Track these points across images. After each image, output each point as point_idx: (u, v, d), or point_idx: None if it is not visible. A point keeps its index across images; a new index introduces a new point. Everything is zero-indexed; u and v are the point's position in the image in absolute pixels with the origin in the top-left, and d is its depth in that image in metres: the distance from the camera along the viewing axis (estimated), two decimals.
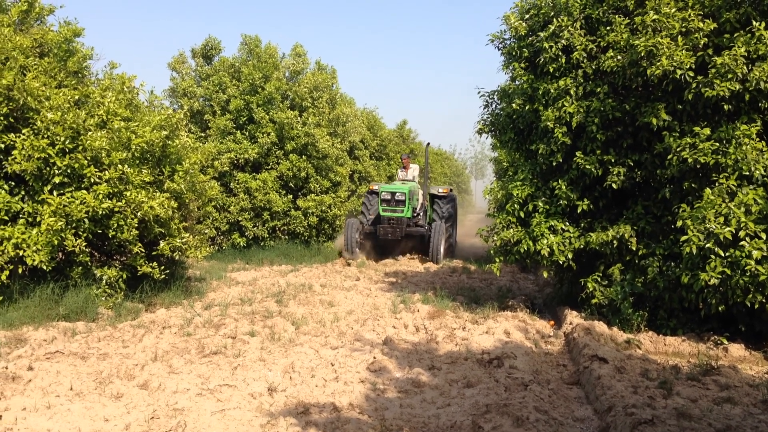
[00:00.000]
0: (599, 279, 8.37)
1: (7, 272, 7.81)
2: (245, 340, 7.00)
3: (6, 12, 9.68)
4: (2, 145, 8.20)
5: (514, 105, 9.12)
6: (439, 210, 17.51)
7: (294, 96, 17.36)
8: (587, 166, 8.21)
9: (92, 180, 8.34)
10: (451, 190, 18.97)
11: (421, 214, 17.22)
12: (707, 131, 7.40)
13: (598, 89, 8.31)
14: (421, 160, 31.42)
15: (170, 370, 5.95)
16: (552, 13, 8.84)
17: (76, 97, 9.03)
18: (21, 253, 7.82)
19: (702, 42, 7.68)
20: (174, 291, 9.65)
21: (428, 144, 19.33)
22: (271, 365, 6.17)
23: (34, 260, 7.76)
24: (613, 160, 8.21)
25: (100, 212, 8.16)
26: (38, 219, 8.05)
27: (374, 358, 6.46)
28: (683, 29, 7.74)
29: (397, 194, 16.13)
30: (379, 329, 7.90)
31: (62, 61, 9.88)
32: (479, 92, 10.22)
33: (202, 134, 17.05)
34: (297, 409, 4.98)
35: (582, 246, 8.35)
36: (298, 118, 16.76)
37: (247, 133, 16.83)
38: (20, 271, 8.20)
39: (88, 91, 9.40)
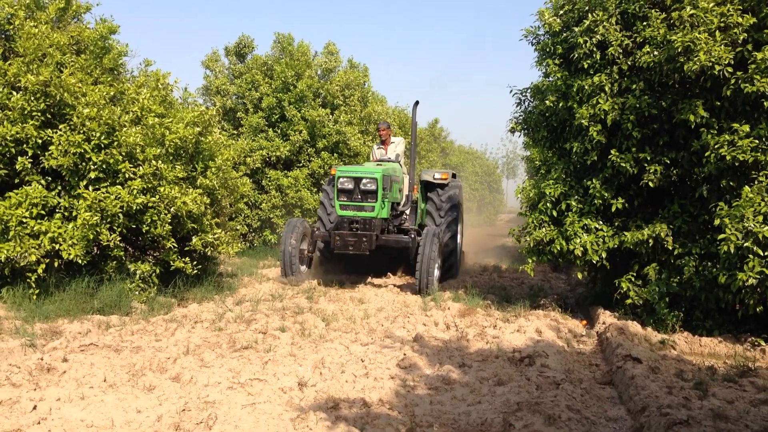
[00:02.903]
0: (633, 279, 8.24)
1: (43, 266, 7.94)
2: (276, 336, 7.02)
3: (44, 9, 9.83)
4: (39, 141, 8.33)
5: (547, 102, 9.01)
6: (436, 206, 12.27)
7: (326, 94, 17.39)
8: (622, 165, 8.09)
9: (127, 175, 8.44)
10: (454, 175, 13.14)
11: (407, 212, 12.17)
12: (746, 128, 7.24)
13: (634, 86, 8.17)
14: (453, 159, 30.74)
15: (202, 363, 5.99)
16: (587, 8, 8.72)
17: (112, 94, 9.14)
18: (57, 247, 7.95)
19: (741, 37, 7.50)
20: (206, 286, 9.73)
21: (417, 103, 12.08)
22: (302, 360, 6.17)
23: (69, 254, 7.88)
24: (649, 158, 8.07)
25: (135, 207, 8.26)
26: (74, 213, 8.17)
27: (404, 354, 6.43)
28: (721, 24, 7.58)
29: (364, 181, 10.52)
30: (409, 326, 7.88)
31: (98, 58, 10.01)
32: (511, 90, 10.12)
33: (235, 131, 17.17)
34: (327, 404, 4.97)
35: (616, 245, 8.22)
36: (330, 116, 16.79)
37: (279, 131, 16.91)
38: (56, 264, 8.32)
39: (124, 88, 9.52)
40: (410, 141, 12.21)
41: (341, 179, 10.64)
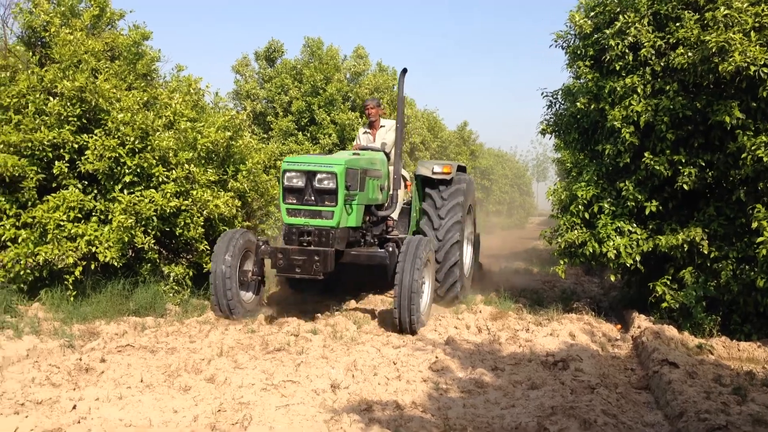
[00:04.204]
0: (669, 282, 8.14)
1: (80, 268, 8.07)
2: (308, 338, 7.06)
3: (79, 16, 10.00)
4: (76, 146, 8.47)
5: (578, 104, 8.94)
6: (435, 206, 9.41)
7: (355, 97, 17.46)
8: (656, 167, 7.99)
9: (160, 179, 8.56)
10: (462, 168, 10.39)
11: (395, 216, 9.35)
12: None
13: (668, 87, 8.07)
14: (482, 162, 30.55)
15: (235, 365, 6.04)
16: (618, 10, 8.63)
17: (145, 99, 9.27)
18: (93, 249, 8.08)
19: None
20: None
21: (404, 71, 8.90)
22: (334, 363, 6.19)
23: (105, 256, 8.00)
24: (683, 161, 7.96)
25: (168, 210, 8.37)
26: (109, 217, 8.29)
27: (436, 357, 6.42)
28: (756, 24, 7.46)
29: (319, 176, 7.73)
30: (440, 329, 7.86)
31: (132, 63, 10.15)
32: (542, 92, 10.08)
33: (265, 135, 17.31)
34: (360, 406, 4.99)
35: (650, 248, 8.13)
36: (359, 119, 16.85)
37: (308, 135, 17.01)
38: (93, 267, 8.46)
39: (156, 93, 9.64)
40: (403, 127, 9.01)
41: (288, 174, 7.78)
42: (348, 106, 17.35)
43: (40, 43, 9.91)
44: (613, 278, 9.27)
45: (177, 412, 4.65)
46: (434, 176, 9.56)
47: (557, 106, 10.00)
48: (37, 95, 8.63)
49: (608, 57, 8.51)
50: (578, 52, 9.11)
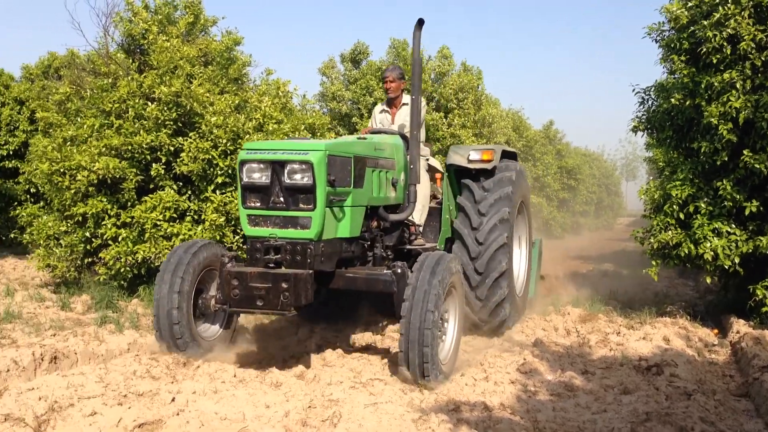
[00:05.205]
0: None
1: None
2: (394, 337, 7.10)
3: (175, 24, 10.40)
4: (172, 148, 8.84)
5: (672, 100, 8.63)
6: (474, 200, 7.52)
7: (439, 97, 17.43)
8: (756, 165, 7.63)
9: None
10: (509, 155, 8.25)
11: (418, 218, 7.23)
12: None
13: None
14: (569, 162, 29.88)
15: (324, 362, 6.15)
16: (717, 1, 8.29)
17: (236, 102, 9.56)
18: None
19: None
20: None
21: (420, 22, 6.34)
22: None
23: None
24: None
25: None
26: (203, 216, 8.59)
27: (524, 359, 6.34)
28: None
29: (290, 166, 5.48)
30: (528, 331, 7.77)
31: (224, 68, 10.48)
32: (633, 88, 9.80)
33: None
34: (448, 406, 4.97)
35: (750, 250, 7.77)
36: (444, 120, 16.81)
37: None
38: None
39: (247, 97, 9.94)
40: (420, 97, 6.47)
41: (248, 166, 5.56)
42: (432, 106, 17.33)
43: (139, 50, 10.37)
44: (708, 281, 8.91)
45: (269, 407, 4.76)
46: (470, 165, 7.60)
47: (650, 102, 9.70)
48: (137, 100, 9.04)
49: (705, 50, 8.17)
50: (673, 45, 8.79)
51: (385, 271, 6.01)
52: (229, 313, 6.23)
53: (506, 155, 8.09)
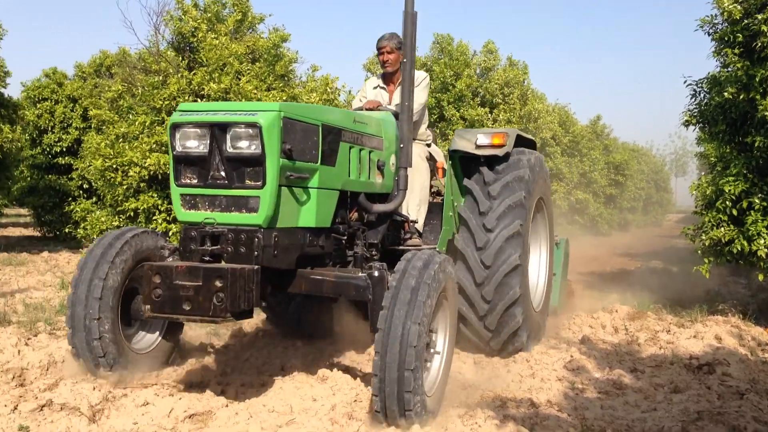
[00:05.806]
0: None
1: None
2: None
3: (223, 22, 10.57)
4: None
5: (726, 94, 8.42)
6: (477, 212, 6.11)
7: (484, 93, 17.33)
8: None
9: None
10: (525, 141, 6.83)
11: (414, 213, 5.89)
12: None
13: None
14: (617, 157, 29.29)
15: (369, 357, 6.18)
16: None
17: (284, 99, 9.66)
18: None
19: None
20: None
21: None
22: (465, 358, 6.20)
23: None
24: None
25: None
26: None
27: (571, 356, 6.28)
28: None
29: (234, 131, 4.15)
30: (575, 328, 7.69)
31: (271, 65, 10.61)
32: (685, 81, 9.58)
33: None
34: (494, 403, 4.97)
35: None
36: (489, 115, 16.71)
37: (438, 131, 17.06)
38: None
39: (294, 93, 10.05)
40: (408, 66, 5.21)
41: (181, 131, 4.32)
42: (477, 101, 17.24)
43: (188, 48, 10.56)
44: (761, 278, 8.68)
45: (316, 400, 4.81)
46: (478, 152, 6.22)
47: (702, 96, 9.48)
48: (186, 97, 9.21)
49: (760, 44, 7.97)
50: (726, 38, 8.58)
51: (359, 274, 4.75)
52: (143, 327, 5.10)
53: (521, 143, 6.68)
